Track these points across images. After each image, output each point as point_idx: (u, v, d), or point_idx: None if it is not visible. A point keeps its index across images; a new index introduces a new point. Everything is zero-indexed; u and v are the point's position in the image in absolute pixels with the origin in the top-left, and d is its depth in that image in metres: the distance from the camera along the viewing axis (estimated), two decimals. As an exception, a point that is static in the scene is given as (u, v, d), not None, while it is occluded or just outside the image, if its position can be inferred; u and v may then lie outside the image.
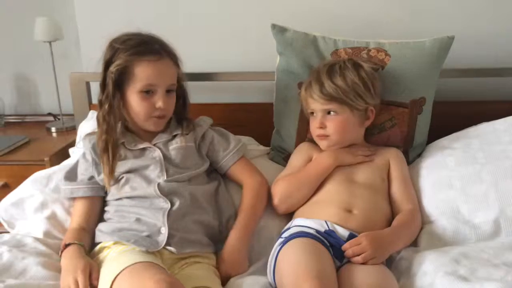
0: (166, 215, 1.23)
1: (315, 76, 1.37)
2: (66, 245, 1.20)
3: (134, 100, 1.30)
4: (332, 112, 1.36)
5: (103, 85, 1.30)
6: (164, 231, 1.21)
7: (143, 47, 1.29)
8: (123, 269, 1.06)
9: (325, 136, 1.38)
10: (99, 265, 1.16)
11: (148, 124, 1.34)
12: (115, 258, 1.15)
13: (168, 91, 1.33)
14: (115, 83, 1.28)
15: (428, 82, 1.49)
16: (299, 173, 1.38)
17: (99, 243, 1.25)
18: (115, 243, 1.20)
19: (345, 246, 1.18)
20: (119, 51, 1.28)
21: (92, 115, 1.69)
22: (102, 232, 1.26)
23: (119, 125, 1.35)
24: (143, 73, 1.28)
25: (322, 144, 1.40)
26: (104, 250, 1.21)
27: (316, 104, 1.36)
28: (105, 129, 1.30)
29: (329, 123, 1.36)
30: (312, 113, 1.40)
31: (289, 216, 1.37)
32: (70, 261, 1.15)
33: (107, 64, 1.29)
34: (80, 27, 1.86)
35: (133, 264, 1.08)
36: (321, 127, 1.37)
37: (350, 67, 1.36)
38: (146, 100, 1.30)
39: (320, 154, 1.40)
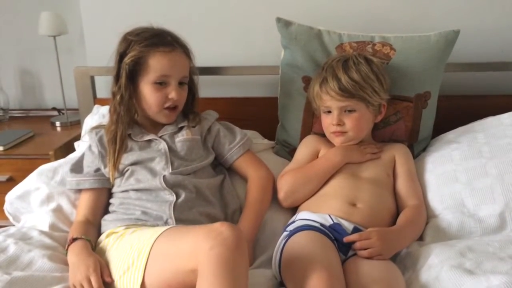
0: (172, 208, 1.23)
1: (331, 72, 1.35)
2: (73, 239, 1.20)
3: (147, 91, 1.32)
4: (349, 109, 1.35)
5: (117, 77, 1.33)
6: (171, 222, 1.21)
7: (156, 38, 1.31)
8: (165, 230, 1.08)
9: (342, 133, 1.37)
10: (108, 249, 1.17)
11: (160, 116, 1.36)
12: (142, 229, 1.15)
13: (180, 83, 1.35)
14: (128, 75, 1.30)
15: (433, 76, 1.49)
16: (306, 168, 1.37)
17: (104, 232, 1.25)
18: (127, 227, 1.20)
19: (353, 237, 1.18)
20: (133, 43, 1.30)
21: (97, 110, 1.70)
22: (110, 221, 1.27)
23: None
24: (157, 64, 1.30)
25: (337, 140, 1.39)
26: (114, 234, 1.21)
27: (333, 101, 1.34)
28: (114, 119, 1.32)
29: (346, 120, 1.35)
30: (327, 110, 1.38)
31: (294, 209, 1.37)
32: (78, 257, 1.15)
33: (121, 56, 1.31)
34: (84, 22, 1.86)
35: (172, 227, 1.10)
36: (339, 124, 1.35)
37: (363, 62, 1.35)
38: (159, 91, 1.32)
39: (329, 150, 1.40)
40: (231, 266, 0.94)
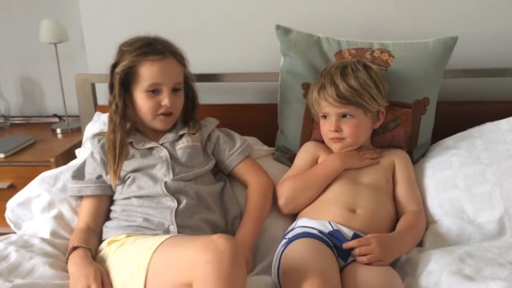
0: (174, 214, 1.24)
1: (329, 79, 1.36)
2: (74, 248, 1.20)
3: (141, 99, 1.33)
4: (347, 115, 1.35)
5: (111, 86, 1.34)
6: (173, 229, 1.22)
7: (146, 48, 1.32)
8: (164, 240, 1.08)
9: (340, 139, 1.37)
10: (109, 257, 1.17)
11: (155, 122, 1.37)
12: (143, 238, 1.16)
13: (175, 90, 1.36)
14: (121, 84, 1.32)
15: (431, 83, 1.50)
16: (305, 175, 1.38)
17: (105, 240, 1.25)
18: (129, 236, 1.21)
19: (353, 243, 1.18)
20: (125, 53, 1.32)
21: (98, 117, 1.70)
22: (111, 228, 1.27)
23: (127, 125, 1.38)
24: (147, 72, 1.31)
25: (335, 146, 1.39)
26: (115, 243, 1.21)
27: (331, 108, 1.35)
28: (111, 128, 1.34)
29: (344, 126, 1.35)
30: (324, 116, 1.39)
31: (293, 216, 1.37)
32: (79, 267, 1.15)
33: (114, 66, 1.33)
34: (85, 29, 1.87)
35: (171, 237, 1.10)
36: (336, 130, 1.35)
37: (362, 69, 1.36)
38: (152, 99, 1.33)
39: (328, 156, 1.40)
40: (227, 281, 0.94)
